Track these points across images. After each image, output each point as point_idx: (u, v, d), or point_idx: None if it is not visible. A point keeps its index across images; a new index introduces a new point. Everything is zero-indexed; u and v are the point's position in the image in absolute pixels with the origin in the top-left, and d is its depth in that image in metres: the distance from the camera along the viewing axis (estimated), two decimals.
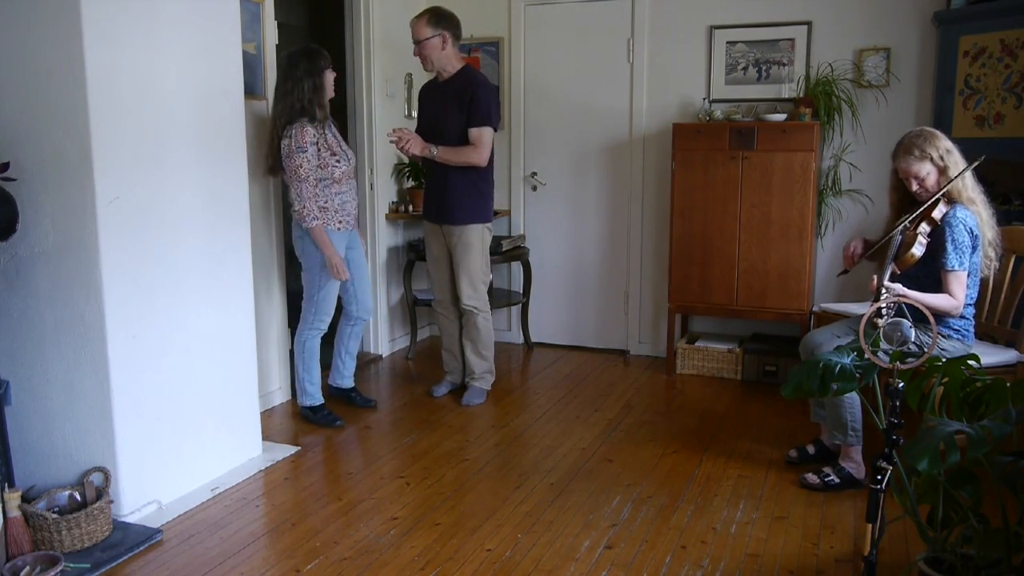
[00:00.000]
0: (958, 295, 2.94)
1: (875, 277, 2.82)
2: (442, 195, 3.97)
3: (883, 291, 2.66)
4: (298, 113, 3.54)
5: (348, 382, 4.08)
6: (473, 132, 3.86)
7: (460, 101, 3.87)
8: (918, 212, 2.97)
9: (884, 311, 2.37)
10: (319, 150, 3.57)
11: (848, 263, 3.19)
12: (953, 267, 2.92)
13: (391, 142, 3.91)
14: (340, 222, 3.70)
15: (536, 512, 2.93)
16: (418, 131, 4.01)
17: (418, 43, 3.87)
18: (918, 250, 2.89)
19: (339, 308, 3.93)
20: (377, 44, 4.73)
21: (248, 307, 3.39)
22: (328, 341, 3.95)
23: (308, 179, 3.54)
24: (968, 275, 2.98)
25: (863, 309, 3.21)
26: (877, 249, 3.10)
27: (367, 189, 4.80)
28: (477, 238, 4.00)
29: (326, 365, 4.03)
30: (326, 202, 3.65)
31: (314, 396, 3.87)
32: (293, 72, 3.55)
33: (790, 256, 4.27)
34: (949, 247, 2.91)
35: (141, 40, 2.79)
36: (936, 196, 2.94)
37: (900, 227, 2.95)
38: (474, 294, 4.05)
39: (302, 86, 3.54)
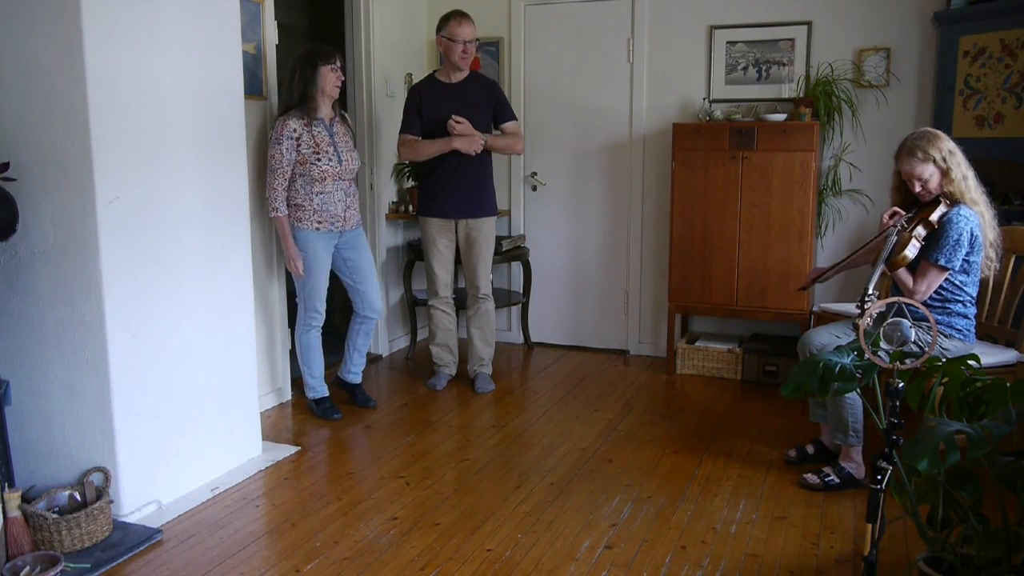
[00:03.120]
0: (922, 288, 2.94)
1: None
2: (473, 189, 4.16)
3: (867, 297, 2.51)
4: (289, 107, 3.63)
5: (355, 378, 4.10)
6: (513, 125, 4.21)
7: (486, 100, 4.12)
8: (915, 213, 2.96)
9: (867, 316, 2.33)
10: (299, 145, 3.58)
11: (805, 282, 3.46)
12: (937, 260, 2.91)
13: (456, 123, 3.97)
14: (320, 222, 3.68)
15: (536, 512, 2.93)
16: (424, 131, 4.10)
17: (471, 43, 4.05)
18: (911, 252, 2.88)
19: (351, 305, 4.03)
20: (377, 44, 4.73)
21: (248, 307, 3.39)
22: (342, 337, 4.09)
23: (275, 171, 3.60)
24: (968, 275, 2.98)
25: None
26: (871, 247, 3.09)
27: (367, 189, 4.80)
28: (494, 227, 4.31)
29: (335, 359, 4.17)
30: (303, 200, 3.65)
31: (316, 389, 3.94)
32: (292, 68, 3.64)
33: (790, 256, 4.27)
34: (943, 242, 2.90)
35: (141, 40, 2.79)
36: (935, 197, 2.94)
37: (897, 227, 2.94)
38: (488, 282, 4.30)
39: (293, 81, 3.62)
